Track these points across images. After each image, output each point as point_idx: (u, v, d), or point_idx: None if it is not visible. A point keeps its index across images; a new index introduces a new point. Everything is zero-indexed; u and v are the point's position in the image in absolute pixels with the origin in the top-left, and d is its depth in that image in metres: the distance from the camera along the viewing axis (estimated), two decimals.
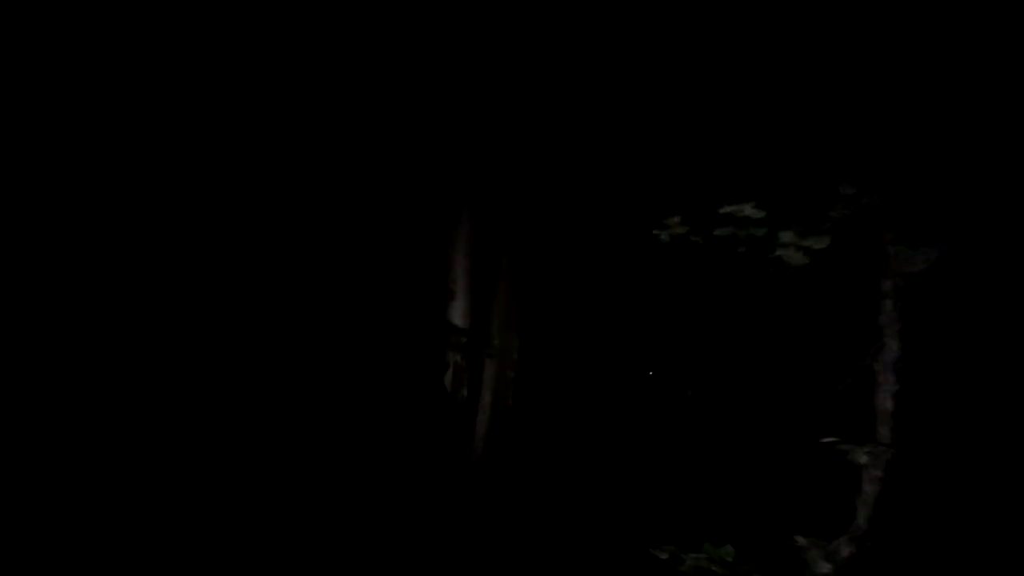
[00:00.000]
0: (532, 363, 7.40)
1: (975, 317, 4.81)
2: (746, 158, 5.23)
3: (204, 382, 6.57)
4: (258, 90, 6.59)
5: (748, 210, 4.70)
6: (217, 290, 6.67)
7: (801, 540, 4.69)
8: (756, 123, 5.28)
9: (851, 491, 4.61)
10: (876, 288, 4.56)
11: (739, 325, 6.46)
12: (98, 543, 5.56)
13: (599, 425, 7.42)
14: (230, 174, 6.68)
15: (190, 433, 6.36)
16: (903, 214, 4.51)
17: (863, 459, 4.37)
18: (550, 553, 6.55)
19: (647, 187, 6.41)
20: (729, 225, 4.83)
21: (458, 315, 7.50)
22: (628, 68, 6.16)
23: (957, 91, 4.42)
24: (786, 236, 4.72)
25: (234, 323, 6.72)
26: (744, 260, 4.84)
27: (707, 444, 6.85)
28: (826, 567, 4.63)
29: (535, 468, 7.15)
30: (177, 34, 6.27)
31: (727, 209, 4.73)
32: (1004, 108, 4.40)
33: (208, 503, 6.10)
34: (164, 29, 6.22)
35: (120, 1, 6.07)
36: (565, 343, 7.57)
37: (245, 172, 6.71)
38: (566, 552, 6.55)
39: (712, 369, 6.79)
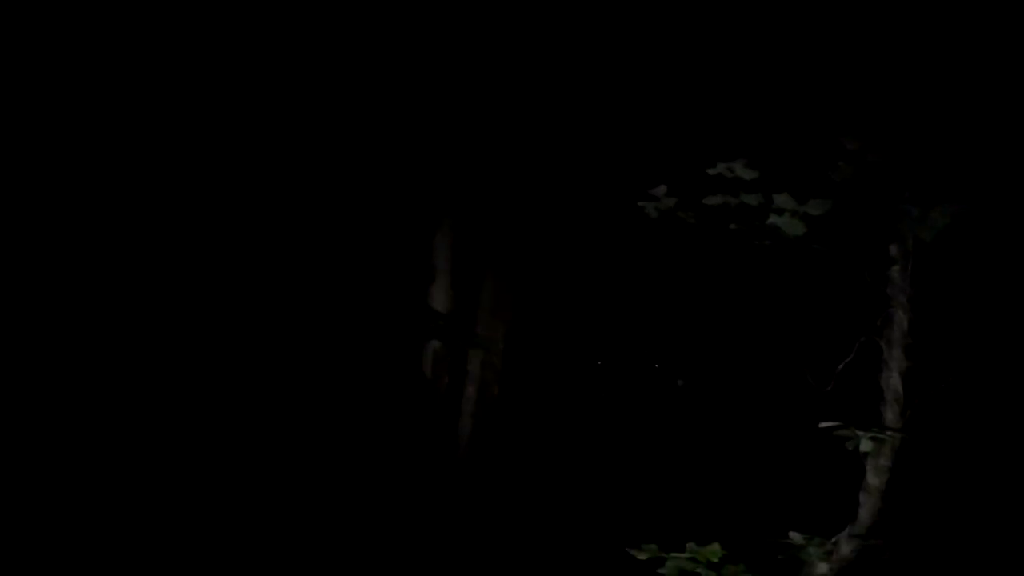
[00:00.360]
0: (520, 352, 7.00)
1: (994, 288, 4.32)
2: (737, 113, 4.75)
3: (172, 370, 6.28)
4: (246, 95, 6.41)
5: (739, 169, 4.22)
6: (195, 279, 6.42)
7: (796, 537, 4.22)
8: (747, 73, 4.80)
9: (854, 483, 4.13)
10: (883, 257, 4.08)
11: (733, 305, 6.00)
12: (91, 543, 5.41)
13: (588, 416, 7.03)
14: (216, 174, 6.51)
15: (159, 421, 6.10)
16: (914, 173, 4.03)
17: (867, 446, 3.87)
18: (530, 552, 6.19)
19: (635, 155, 5.94)
20: (719, 193, 4.37)
21: (440, 301, 7.08)
22: (608, 22, 5.71)
23: (978, 32, 3.95)
24: (782, 200, 4.24)
25: (207, 307, 6.45)
26: (737, 233, 4.38)
27: (699, 435, 6.41)
28: (823, 567, 4.16)
29: (521, 462, 6.77)
30: (157, 37, 6.12)
31: (717, 169, 4.26)
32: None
33: (174, 494, 5.83)
34: (146, 31, 6.09)
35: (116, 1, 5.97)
36: (554, 330, 7.17)
37: (226, 172, 6.52)
38: (547, 551, 6.18)
39: (705, 353, 6.34)
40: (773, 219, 4.24)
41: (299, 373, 6.60)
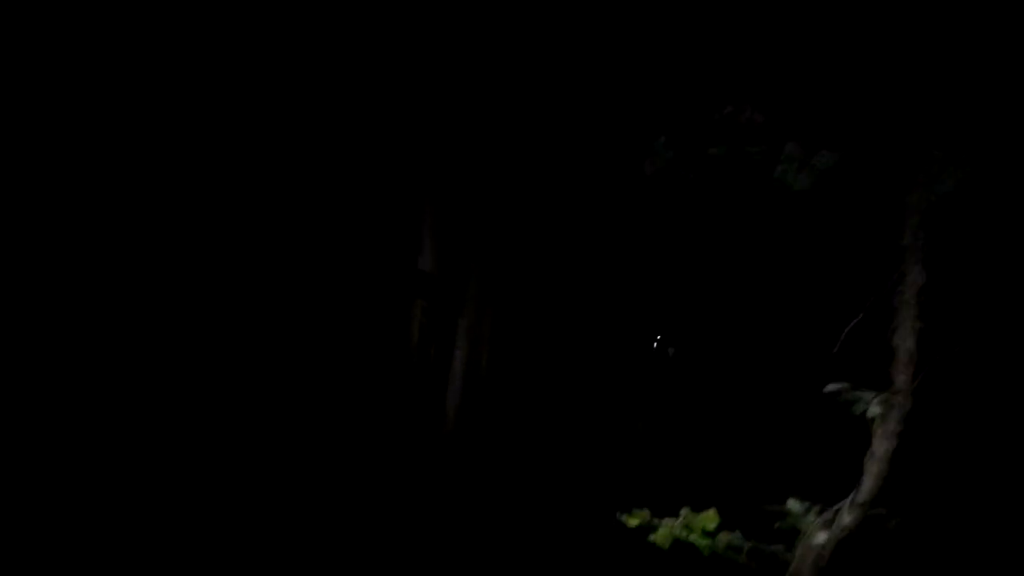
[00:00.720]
0: (511, 321, 6.78)
1: (1013, 247, 4.09)
2: (742, 55, 4.48)
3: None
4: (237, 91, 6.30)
5: (749, 113, 3.99)
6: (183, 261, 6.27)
7: (794, 505, 4.01)
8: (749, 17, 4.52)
9: (858, 450, 3.92)
10: (897, 211, 3.84)
11: (733, 264, 5.74)
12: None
13: (580, 387, 6.83)
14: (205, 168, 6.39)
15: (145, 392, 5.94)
16: (933, 123, 3.79)
17: (875, 410, 3.64)
18: (519, 520, 6.01)
19: (634, 104, 5.67)
20: (723, 144, 4.14)
21: (427, 264, 6.86)
22: None
23: None
24: (790, 148, 4.00)
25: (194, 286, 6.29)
26: (740, 187, 4.16)
27: (696, 400, 6.18)
28: (823, 536, 3.94)
29: (510, 431, 6.57)
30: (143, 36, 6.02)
31: (725, 111, 4.02)
32: None
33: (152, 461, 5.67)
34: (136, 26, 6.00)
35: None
36: (547, 298, 6.94)
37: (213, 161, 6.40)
38: (536, 520, 6.00)
39: (704, 315, 6.07)
40: (782, 170, 4.01)
41: (285, 348, 6.41)
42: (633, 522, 4.09)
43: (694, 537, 3.93)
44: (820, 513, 3.96)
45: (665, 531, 3.96)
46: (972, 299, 4.06)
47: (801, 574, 3.99)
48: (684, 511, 4.04)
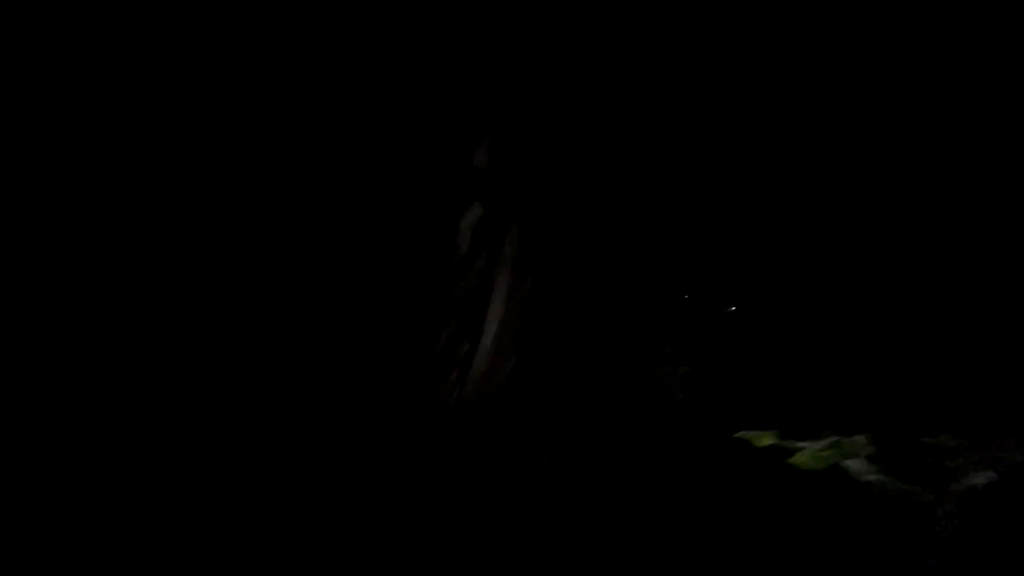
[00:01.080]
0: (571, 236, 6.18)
1: None
2: None
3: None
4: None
5: None
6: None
7: (947, 440, 3.49)
8: None
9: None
10: None
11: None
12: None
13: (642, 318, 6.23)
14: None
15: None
16: None
17: None
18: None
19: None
20: None
21: (482, 160, 6.30)
22: None
23: None
24: None
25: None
26: None
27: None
28: (982, 477, 3.43)
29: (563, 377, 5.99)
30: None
31: None
32: None
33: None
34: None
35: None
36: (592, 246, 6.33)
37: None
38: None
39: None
40: None
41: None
42: (763, 442, 3.57)
43: (849, 462, 3.42)
44: (980, 450, 3.44)
45: (811, 454, 3.44)
46: None
47: (950, 516, 3.47)
48: (827, 434, 3.52)
